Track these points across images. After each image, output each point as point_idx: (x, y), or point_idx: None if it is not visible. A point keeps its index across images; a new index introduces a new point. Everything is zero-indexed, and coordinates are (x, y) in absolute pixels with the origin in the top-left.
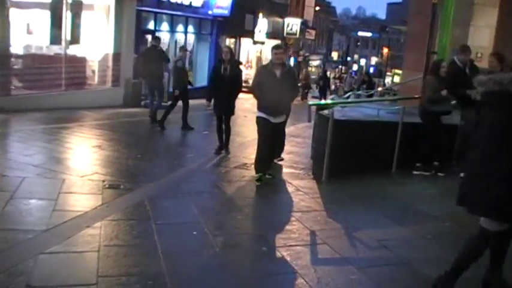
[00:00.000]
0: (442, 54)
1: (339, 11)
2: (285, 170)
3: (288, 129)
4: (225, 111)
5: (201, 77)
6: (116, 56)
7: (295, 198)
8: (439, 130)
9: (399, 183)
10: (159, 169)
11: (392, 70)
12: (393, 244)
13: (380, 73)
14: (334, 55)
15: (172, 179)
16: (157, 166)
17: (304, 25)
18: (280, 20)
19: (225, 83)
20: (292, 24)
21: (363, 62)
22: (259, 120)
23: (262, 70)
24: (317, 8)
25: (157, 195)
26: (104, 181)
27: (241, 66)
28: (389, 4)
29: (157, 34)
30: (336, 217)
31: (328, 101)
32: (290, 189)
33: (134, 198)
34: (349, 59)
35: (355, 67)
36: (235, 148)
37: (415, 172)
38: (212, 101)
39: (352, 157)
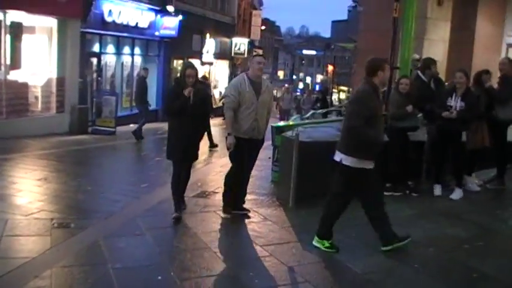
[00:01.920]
0: (404, 69)
1: (283, 30)
2: (247, 196)
3: None
4: (189, 156)
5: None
6: (60, 81)
7: (264, 229)
8: (407, 147)
9: None
10: (113, 202)
11: (338, 87)
12: (380, 277)
13: (326, 90)
14: (280, 74)
15: (128, 213)
16: (111, 199)
17: (252, 44)
18: (227, 40)
19: (188, 115)
20: (240, 43)
21: (308, 80)
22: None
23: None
24: (263, 27)
25: (112, 233)
26: (52, 219)
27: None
28: (334, 22)
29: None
30: (311, 249)
31: (291, 122)
32: (257, 218)
33: (87, 238)
34: (294, 77)
35: (300, 85)
36: (191, 175)
37: (385, 193)
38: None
39: (319, 180)
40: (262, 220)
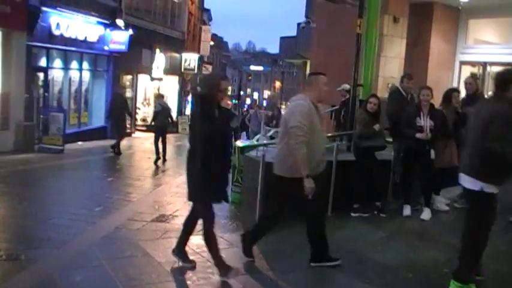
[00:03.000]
0: (367, 87)
1: (229, 45)
2: None
3: None
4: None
5: (96, 117)
6: (5, 96)
7: (232, 257)
8: (374, 167)
9: (340, 228)
10: (65, 229)
11: (285, 103)
12: None
13: (273, 106)
14: (228, 89)
15: (83, 241)
16: (62, 225)
17: (201, 60)
18: (177, 55)
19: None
20: (190, 59)
21: (256, 95)
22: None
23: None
24: (211, 43)
25: (67, 265)
26: None
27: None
28: (282, 38)
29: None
30: (286, 278)
31: (255, 143)
32: (223, 245)
33: (40, 271)
34: (242, 93)
35: (248, 101)
36: (146, 196)
37: (353, 214)
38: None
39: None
40: (229, 246)
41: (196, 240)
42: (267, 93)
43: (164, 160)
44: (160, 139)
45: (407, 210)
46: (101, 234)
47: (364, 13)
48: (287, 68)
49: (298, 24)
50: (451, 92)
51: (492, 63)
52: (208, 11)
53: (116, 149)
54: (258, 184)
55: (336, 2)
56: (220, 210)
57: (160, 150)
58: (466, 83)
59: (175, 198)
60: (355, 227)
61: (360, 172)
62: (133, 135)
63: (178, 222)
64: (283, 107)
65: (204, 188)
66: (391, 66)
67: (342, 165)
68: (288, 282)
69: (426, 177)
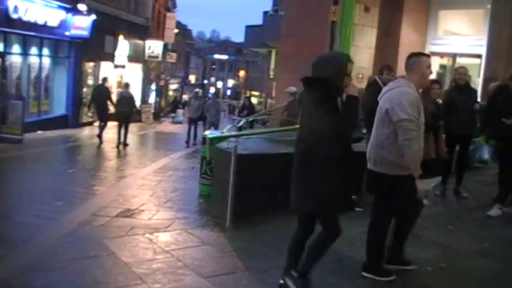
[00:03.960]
0: None
1: (193, 34)
2: (177, 213)
3: (165, 161)
4: None
5: (58, 105)
6: None
7: (205, 256)
8: (351, 160)
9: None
10: (25, 226)
11: (249, 92)
12: None
13: (237, 95)
14: (192, 78)
15: (44, 239)
16: (22, 222)
17: (166, 48)
18: (141, 42)
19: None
20: (154, 46)
21: (220, 84)
22: None
23: None
24: (176, 31)
25: (28, 267)
26: None
27: None
28: (247, 27)
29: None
30: (264, 279)
31: (227, 133)
32: (194, 242)
33: None
34: (206, 81)
35: (212, 90)
36: (110, 189)
37: None
38: None
39: (258, 196)
40: (200, 244)
41: (165, 238)
42: (231, 82)
43: (125, 145)
44: (122, 127)
45: None
46: (63, 232)
47: (339, 1)
48: (252, 57)
49: (265, 12)
50: (431, 84)
51: (462, 55)
52: None
53: (100, 138)
54: (229, 177)
55: None
56: (188, 204)
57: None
58: (460, 74)
59: (141, 191)
60: None
61: None
62: (95, 124)
63: (145, 217)
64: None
65: (334, 196)
66: (361, 56)
67: None
68: (267, 283)
69: None
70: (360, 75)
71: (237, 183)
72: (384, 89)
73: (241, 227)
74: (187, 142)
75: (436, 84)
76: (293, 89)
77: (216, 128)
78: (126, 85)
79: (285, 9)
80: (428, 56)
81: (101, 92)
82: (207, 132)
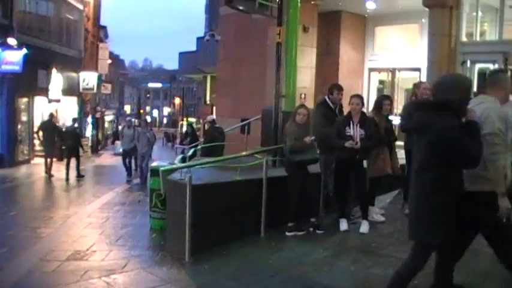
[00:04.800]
0: (290, 98)
1: (126, 63)
2: (131, 251)
3: (109, 196)
4: None
5: None
6: None
7: None
8: (307, 181)
9: (277, 250)
10: None
11: (186, 119)
12: None
13: (174, 123)
14: (127, 108)
15: None
16: None
17: (100, 79)
18: (75, 74)
19: None
20: (89, 78)
21: (155, 113)
22: None
23: None
24: (109, 61)
25: None
26: None
27: None
28: (181, 53)
29: None
30: None
31: (179, 164)
32: (154, 282)
33: None
34: (142, 111)
35: (148, 119)
36: (57, 230)
37: (288, 233)
38: None
39: (215, 226)
40: (162, 284)
41: (123, 279)
42: (167, 110)
43: (80, 176)
44: (71, 160)
45: (344, 225)
46: (11, 282)
47: (283, 22)
48: (187, 84)
49: (198, 38)
50: (382, 99)
51: (400, 69)
52: (104, 28)
53: (48, 172)
54: (185, 209)
55: (247, 12)
56: (141, 240)
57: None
58: (424, 89)
59: (89, 230)
60: (293, 248)
61: (292, 188)
62: (32, 161)
63: (98, 258)
64: (184, 122)
65: (445, 226)
66: (303, 76)
67: (272, 182)
68: None
69: (361, 188)
70: (302, 95)
71: (193, 215)
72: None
73: (201, 260)
74: (128, 181)
75: (386, 100)
76: (211, 117)
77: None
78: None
79: (221, 33)
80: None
81: (48, 127)
82: (155, 164)
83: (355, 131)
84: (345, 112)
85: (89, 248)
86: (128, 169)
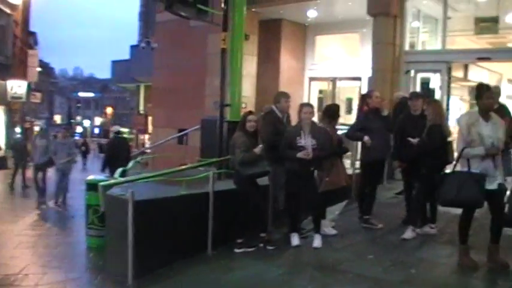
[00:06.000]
0: (235, 107)
1: (56, 71)
2: (67, 274)
3: (40, 212)
4: None
5: None
6: None
7: None
8: (257, 195)
9: (228, 270)
10: None
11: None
12: None
13: (106, 133)
14: (57, 118)
15: None
16: None
17: (29, 87)
18: (2, 82)
19: None
20: (17, 86)
21: (87, 123)
22: None
23: None
24: (39, 69)
25: None
26: None
27: None
28: (114, 62)
29: None
30: None
31: (120, 179)
32: None
33: None
34: (72, 121)
35: (79, 129)
36: None
37: (237, 250)
38: None
39: (160, 245)
40: None
41: None
42: (98, 120)
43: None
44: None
45: (295, 240)
46: None
47: (228, 28)
48: (119, 93)
49: (132, 46)
50: (337, 110)
51: (341, 78)
52: (34, 34)
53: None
54: (127, 227)
55: (187, 18)
56: (78, 260)
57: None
58: (376, 97)
59: (20, 250)
60: (245, 266)
61: (242, 202)
62: None
63: (31, 283)
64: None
65: None
66: (244, 85)
67: (219, 196)
68: None
69: (314, 201)
70: (243, 105)
71: (136, 233)
72: None
73: (145, 283)
74: (40, 203)
75: (338, 110)
76: (117, 128)
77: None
78: None
79: (157, 41)
80: None
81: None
82: (91, 178)
83: (306, 141)
84: (293, 121)
85: (20, 272)
86: (40, 189)
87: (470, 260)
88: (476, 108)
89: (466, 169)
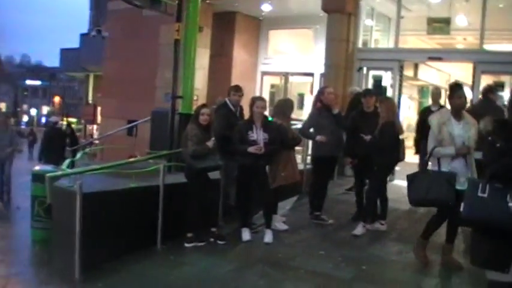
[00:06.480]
0: (188, 99)
1: (1, 58)
2: (11, 268)
3: None
4: None
5: None
6: None
7: None
8: (208, 189)
9: (178, 264)
10: None
11: (66, 119)
12: None
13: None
14: (2, 106)
15: None
16: None
17: None
18: None
19: None
20: None
21: (33, 112)
22: None
23: None
24: None
25: None
26: None
27: None
28: (63, 50)
29: None
30: None
31: (68, 170)
32: None
33: None
34: (19, 109)
35: (25, 118)
36: None
37: (187, 245)
38: None
39: (108, 239)
40: None
41: None
42: (46, 109)
43: None
44: None
45: (246, 235)
46: None
47: (182, 18)
48: (68, 82)
49: (82, 35)
50: (292, 104)
51: (293, 74)
52: None
53: None
54: (75, 220)
55: (141, 7)
56: (22, 254)
57: None
58: (328, 94)
59: None
60: (195, 261)
61: (192, 196)
62: None
63: None
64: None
65: None
66: (195, 78)
67: (169, 189)
68: None
69: (266, 195)
70: (195, 97)
71: (83, 227)
72: None
73: (93, 278)
74: None
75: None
76: (56, 118)
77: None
78: None
79: (109, 30)
80: None
81: None
82: (37, 168)
83: (258, 135)
84: (246, 115)
85: None
86: None
87: (425, 255)
88: (448, 107)
89: (436, 168)
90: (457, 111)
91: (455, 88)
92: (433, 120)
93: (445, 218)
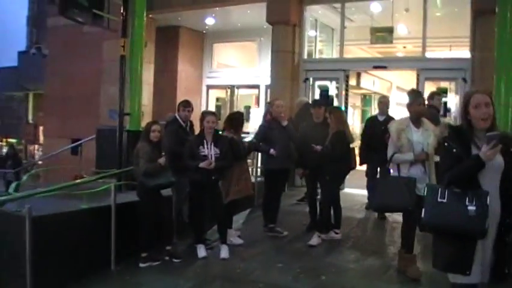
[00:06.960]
0: (135, 116)
1: None
2: None
3: None
4: None
5: None
6: None
7: None
8: (161, 207)
9: (134, 285)
10: None
11: (6, 139)
12: None
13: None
14: None
15: None
16: None
17: None
18: None
19: None
20: None
21: None
22: None
23: None
24: None
25: None
26: None
27: None
28: (1, 68)
29: None
30: None
31: (16, 194)
32: None
33: None
34: None
35: None
36: None
37: (142, 264)
38: None
39: (60, 264)
40: None
41: None
42: None
43: None
44: None
45: (202, 251)
46: None
47: (128, 34)
48: (5, 102)
49: (20, 53)
50: (242, 117)
51: (239, 86)
52: None
53: None
54: (25, 247)
55: (82, 23)
56: None
57: None
58: (278, 106)
59: None
60: (152, 282)
61: (145, 215)
62: None
63: None
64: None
65: None
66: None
67: (121, 209)
68: None
69: (219, 210)
70: (142, 113)
71: (34, 253)
72: None
73: None
74: None
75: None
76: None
77: None
78: None
79: (49, 47)
80: None
81: None
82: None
83: (210, 151)
84: (196, 130)
85: None
86: None
87: (416, 269)
88: (407, 115)
89: (396, 174)
90: (417, 118)
91: (416, 95)
92: (392, 127)
93: (414, 222)
